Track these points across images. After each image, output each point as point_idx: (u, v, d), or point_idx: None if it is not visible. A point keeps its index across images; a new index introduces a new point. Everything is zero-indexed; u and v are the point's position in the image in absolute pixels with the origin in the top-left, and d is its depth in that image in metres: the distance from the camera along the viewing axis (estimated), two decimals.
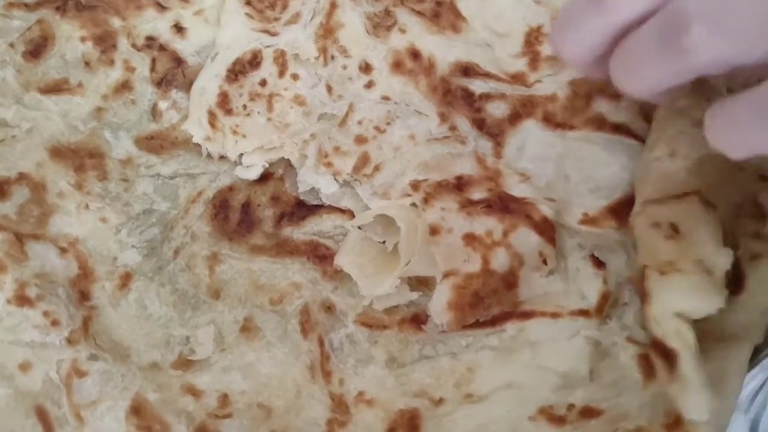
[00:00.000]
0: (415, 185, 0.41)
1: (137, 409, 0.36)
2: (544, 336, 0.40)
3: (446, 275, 0.39)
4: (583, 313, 0.40)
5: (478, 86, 0.45)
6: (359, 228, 0.42)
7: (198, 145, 0.45)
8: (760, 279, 0.38)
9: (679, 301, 0.33)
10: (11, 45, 0.46)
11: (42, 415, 0.36)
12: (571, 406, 0.37)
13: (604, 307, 0.40)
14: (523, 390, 0.38)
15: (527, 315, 0.40)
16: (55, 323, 0.37)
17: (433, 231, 0.40)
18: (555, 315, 0.40)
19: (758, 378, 0.37)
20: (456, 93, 0.45)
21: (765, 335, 0.37)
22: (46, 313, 0.38)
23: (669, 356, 0.34)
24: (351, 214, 0.43)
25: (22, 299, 0.38)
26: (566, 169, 0.42)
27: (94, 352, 0.37)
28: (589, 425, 0.36)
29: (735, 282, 0.39)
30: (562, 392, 0.38)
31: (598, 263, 0.41)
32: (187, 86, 0.47)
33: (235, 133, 0.45)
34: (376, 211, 0.41)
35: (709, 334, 0.37)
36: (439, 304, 0.39)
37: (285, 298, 0.41)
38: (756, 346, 0.37)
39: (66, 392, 0.36)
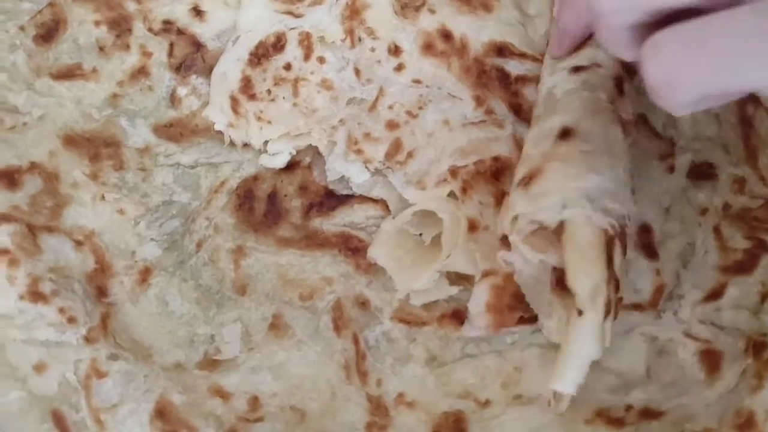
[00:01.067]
0: (453, 172, 0.39)
1: (162, 412, 0.33)
2: None
3: (485, 275, 0.36)
4: (637, 307, 0.38)
5: (513, 67, 0.43)
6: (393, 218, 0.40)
7: (220, 133, 0.43)
8: None
9: None
10: (21, 28, 0.43)
11: (58, 419, 0.33)
12: (629, 407, 0.35)
13: (659, 301, 0.38)
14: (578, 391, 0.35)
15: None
16: (71, 320, 0.35)
17: (472, 227, 0.38)
18: None
19: None
20: (491, 74, 0.43)
21: None
22: (61, 310, 0.35)
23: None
24: (384, 204, 0.41)
25: (35, 295, 0.35)
26: None
27: (114, 351, 0.35)
28: (651, 427, 0.34)
29: None
30: (619, 392, 0.36)
31: (651, 253, 0.39)
32: (208, 71, 0.45)
33: (259, 119, 0.42)
34: (418, 206, 0.38)
35: None
36: (478, 305, 0.36)
37: (316, 293, 0.39)
38: None
39: (84, 395, 0.33)
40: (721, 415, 0.33)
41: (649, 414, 0.34)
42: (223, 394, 0.35)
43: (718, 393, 0.34)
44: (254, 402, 0.35)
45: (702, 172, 0.41)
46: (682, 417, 0.33)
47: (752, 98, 0.42)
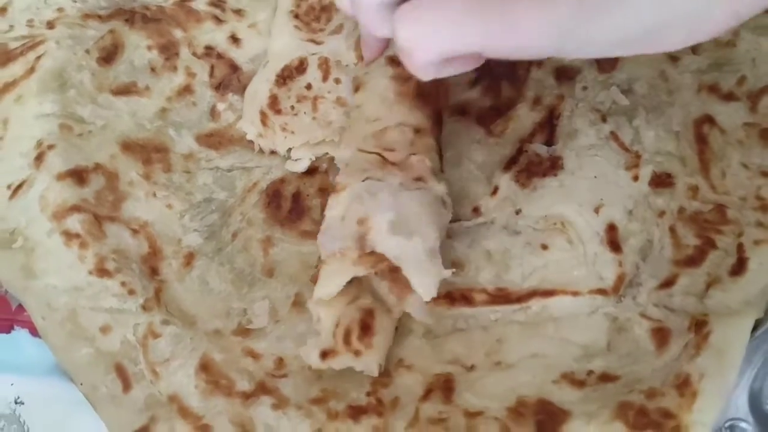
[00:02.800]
0: None
1: (205, 366, 0.40)
2: (565, 312, 0.44)
3: None
4: (601, 292, 0.44)
5: None
6: None
7: (252, 142, 0.50)
8: (761, 261, 0.42)
9: None
10: (87, 51, 0.51)
11: (121, 371, 0.40)
12: (590, 372, 0.41)
13: (620, 287, 0.44)
14: (547, 359, 0.42)
15: (550, 293, 0.44)
16: (131, 292, 0.42)
17: None
18: (575, 293, 0.44)
19: (761, 350, 0.41)
20: None
21: (765, 310, 0.41)
22: (123, 284, 0.42)
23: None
24: None
25: (102, 271, 0.42)
26: None
27: (166, 317, 0.42)
28: (607, 388, 0.40)
29: (739, 264, 0.43)
30: (583, 361, 0.42)
31: (616, 248, 0.46)
32: (242, 90, 0.52)
33: (284, 130, 0.50)
34: None
35: (714, 311, 0.41)
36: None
37: None
38: (757, 320, 0.41)
39: (142, 351, 0.40)
40: (664, 378, 0.39)
41: (606, 378, 0.41)
42: (254, 355, 0.42)
43: (664, 361, 0.40)
44: (280, 362, 0.42)
45: (662, 181, 0.47)
46: (633, 380, 0.40)
47: (708, 119, 0.49)
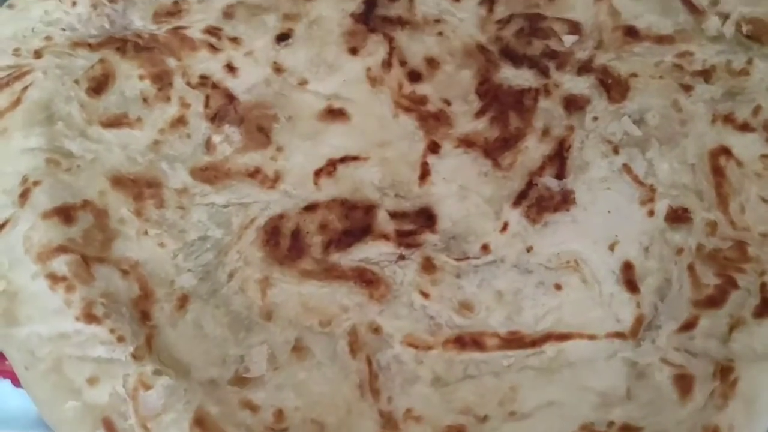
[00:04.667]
0: None
1: (200, 421, 0.38)
2: (582, 357, 0.42)
3: None
4: (619, 335, 0.42)
5: None
6: None
7: (249, 176, 0.48)
8: None
9: None
10: (76, 81, 0.49)
11: (109, 426, 0.37)
12: (611, 423, 0.39)
13: (639, 330, 0.42)
14: (564, 408, 0.40)
15: (566, 337, 0.42)
16: (120, 339, 0.39)
17: None
18: (592, 337, 0.42)
19: None
20: None
21: None
22: (112, 330, 0.40)
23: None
24: (396, 241, 0.46)
25: (89, 317, 0.40)
26: None
27: (158, 367, 0.39)
28: None
29: (763, 305, 0.41)
30: (602, 410, 0.40)
31: (633, 288, 0.44)
32: (239, 121, 0.50)
33: None
34: None
35: (740, 356, 0.39)
36: None
37: (333, 320, 0.43)
38: None
39: (132, 405, 0.38)
40: (691, 430, 0.37)
41: (628, 429, 0.38)
42: (252, 407, 0.39)
43: (689, 411, 0.38)
44: (279, 414, 0.39)
45: (678, 216, 0.46)
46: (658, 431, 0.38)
47: (724, 150, 0.48)
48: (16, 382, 0.41)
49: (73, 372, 0.39)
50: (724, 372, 0.39)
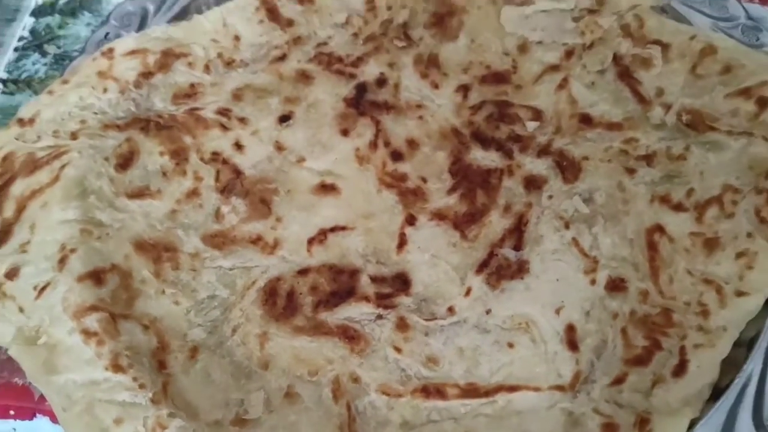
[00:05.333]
0: None
1: None
2: (527, 406, 0.49)
3: None
4: (560, 388, 0.50)
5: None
6: None
7: (252, 243, 0.56)
8: (700, 364, 0.48)
9: None
10: (106, 159, 0.57)
11: None
12: None
13: (576, 384, 0.50)
14: None
15: (514, 389, 0.50)
16: (142, 386, 0.47)
17: None
18: (537, 389, 0.50)
19: None
20: None
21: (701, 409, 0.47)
22: (135, 378, 0.47)
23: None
24: (375, 303, 0.53)
25: (116, 367, 0.48)
26: None
27: (172, 410, 0.47)
28: None
29: (680, 366, 0.49)
30: None
31: (574, 347, 0.51)
32: (245, 194, 0.58)
33: None
34: None
35: (657, 409, 0.47)
36: None
37: (320, 370, 0.51)
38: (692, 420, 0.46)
39: None
40: None
41: None
42: None
43: None
44: None
45: (616, 285, 0.53)
46: None
47: (659, 228, 0.55)
48: (54, 420, 0.49)
49: (103, 413, 0.47)
50: (643, 423, 0.46)
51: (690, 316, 0.51)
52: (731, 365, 0.49)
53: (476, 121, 0.62)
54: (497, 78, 0.63)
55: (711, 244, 0.53)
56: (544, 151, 0.60)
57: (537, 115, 0.62)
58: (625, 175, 0.58)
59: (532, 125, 0.61)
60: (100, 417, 0.47)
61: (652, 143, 0.59)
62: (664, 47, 0.62)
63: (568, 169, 0.59)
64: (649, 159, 0.58)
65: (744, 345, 0.50)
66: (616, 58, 0.63)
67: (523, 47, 0.64)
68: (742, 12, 0.62)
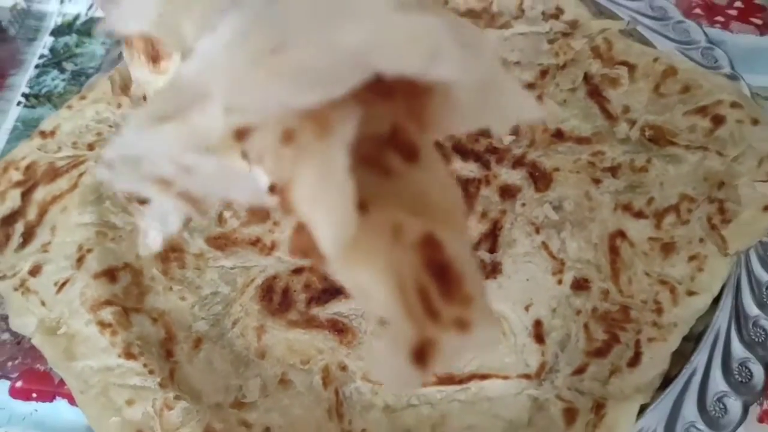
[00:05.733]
0: None
1: None
2: (497, 393, 0.55)
3: None
4: (527, 376, 0.55)
5: None
6: None
7: (251, 244, 0.62)
8: (652, 355, 0.54)
9: None
10: None
11: None
12: None
13: (542, 373, 0.55)
14: (479, 431, 0.53)
15: (486, 377, 0.55)
16: (151, 372, 0.53)
17: None
18: (506, 377, 0.55)
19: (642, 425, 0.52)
20: None
21: (652, 396, 0.52)
22: (145, 365, 0.53)
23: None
24: None
25: (129, 354, 0.53)
26: None
27: (178, 393, 0.52)
28: None
29: (635, 357, 0.54)
30: None
31: (540, 340, 0.57)
32: None
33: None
34: None
35: (612, 395, 0.52)
36: None
37: (311, 359, 0.56)
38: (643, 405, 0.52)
39: (158, 421, 0.51)
40: None
41: None
42: (247, 425, 0.53)
43: None
44: (267, 430, 0.53)
45: (580, 285, 0.58)
46: None
47: (621, 233, 0.61)
48: (71, 402, 0.54)
49: (116, 396, 0.52)
50: (598, 407, 0.51)
51: (646, 313, 0.56)
52: (681, 357, 0.54)
53: (457, 135, 0.67)
54: None
55: (667, 249, 0.59)
56: (518, 163, 0.65)
57: (513, 129, 0.67)
58: (591, 185, 0.63)
59: (508, 139, 0.66)
60: (113, 399, 0.52)
61: (617, 156, 0.64)
62: (631, 68, 0.67)
63: (540, 179, 0.64)
64: (614, 170, 0.64)
65: (693, 339, 0.55)
66: (587, 78, 0.68)
67: None
68: (703, 36, 0.68)
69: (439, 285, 0.20)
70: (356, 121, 0.19)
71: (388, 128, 0.21)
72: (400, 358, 0.19)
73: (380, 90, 0.19)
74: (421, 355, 0.19)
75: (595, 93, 0.67)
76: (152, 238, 0.28)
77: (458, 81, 0.19)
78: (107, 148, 0.22)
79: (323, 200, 0.18)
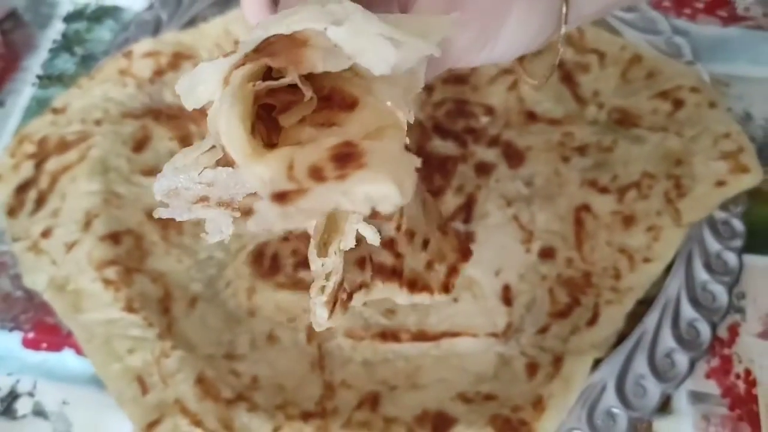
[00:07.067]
0: None
1: (201, 380, 0.56)
2: (467, 350, 0.60)
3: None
4: (494, 335, 0.60)
5: None
6: None
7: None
8: (609, 316, 0.58)
9: None
10: (124, 142, 0.68)
11: (141, 381, 0.56)
12: (478, 393, 0.56)
13: (509, 332, 0.60)
14: (449, 383, 0.58)
15: (457, 334, 0.60)
16: (150, 325, 0.58)
17: None
18: (475, 335, 0.60)
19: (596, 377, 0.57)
20: None
21: (606, 351, 0.57)
22: (145, 318, 0.58)
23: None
24: None
25: (130, 309, 0.59)
26: None
27: (174, 344, 0.57)
28: (488, 404, 0.55)
29: (593, 318, 0.59)
30: (475, 385, 0.57)
31: (508, 303, 0.62)
32: None
33: None
34: None
35: (570, 351, 0.57)
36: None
37: (297, 318, 0.61)
38: (596, 359, 0.56)
39: (157, 367, 0.56)
40: (528, 399, 0.55)
41: (489, 397, 0.56)
42: (236, 374, 0.58)
43: (531, 386, 0.56)
44: (254, 379, 0.57)
45: (547, 254, 0.62)
46: (506, 399, 0.55)
47: (586, 207, 0.66)
48: (78, 352, 0.59)
49: (118, 345, 0.57)
50: (557, 361, 0.56)
51: (606, 278, 0.61)
52: (636, 318, 0.59)
53: (437, 116, 0.72)
54: (457, 79, 0.73)
55: (628, 221, 0.63)
56: (494, 142, 0.70)
57: (490, 111, 0.72)
58: (561, 162, 0.68)
59: (485, 120, 0.71)
60: (116, 348, 0.57)
61: (586, 137, 0.69)
62: (600, 55, 0.72)
63: (514, 157, 0.69)
64: (582, 150, 0.69)
65: (647, 303, 0.60)
66: (560, 64, 0.73)
67: None
68: (668, 26, 0.73)
69: (336, 164, 0.27)
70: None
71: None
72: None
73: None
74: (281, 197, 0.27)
75: (567, 78, 0.72)
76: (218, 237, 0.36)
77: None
78: (156, 194, 0.33)
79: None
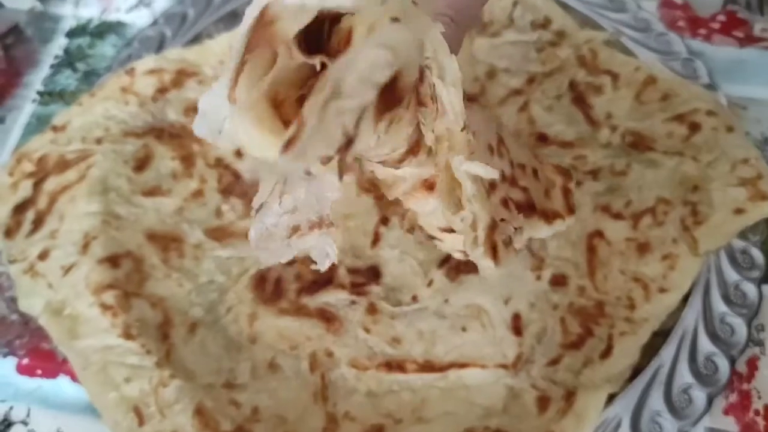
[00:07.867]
0: None
1: (199, 411, 0.54)
2: (475, 381, 0.58)
3: None
4: (504, 366, 0.58)
5: None
6: None
7: (247, 236, 0.65)
8: (623, 348, 0.56)
9: None
10: (125, 162, 0.67)
11: (137, 411, 0.54)
12: (486, 428, 0.54)
13: (519, 364, 0.58)
14: (456, 417, 0.56)
15: (465, 365, 0.58)
16: (149, 352, 0.56)
17: None
18: (483, 367, 0.58)
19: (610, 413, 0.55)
20: None
21: (621, 386, 0.55)
22: (143, 345, 0.56)
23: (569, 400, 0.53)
24: (350, 290, 0.62)
25: (128, 335, 0.57)
26: None
27: (173, 373, 0.56)
28: None
29: (607, 350, 0.57)
30: (483, 419, 0.55)
31: (518, 332, 0.60)
32: (243, 194, 0.67)
33: None
34: None
35: (583, 385, 0.55)
36: None
37: (300, 346, 0.59)
38: (611, 394, 0.54)
39: (154, 397, 0.54)
40: None
41: None
42: (236, 404, 0.56)
43: (541, 422, 0.54)
44: (255, 410, 0.56)
45: (558, 281, 0.61)
46: None
47: (599, 233, 0.64)
48: (74, 379, 0.58)
49: (115, 373, 0.56)
50: (569, 396, 0.54)
51: (619, 308, 0.59)
52: (651, 351, 0.57)
53: None
54: (468, 99, 0.72)
55: (642, 248, 0.61)
56: None
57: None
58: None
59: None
60: (112, 376, 0.56)
61: (599, 160, 0.67)
62: (614, 77, 0.70)
63: None
64: (594, 174, 0.67)
65: (663, 335, 0.58)
66: (572, 85, 0.71)
67: (491, 74, 0.73)
68: (683, 48, 0.71)
69: None
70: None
71: None
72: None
73: None
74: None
75: (579, 100, 0.70)
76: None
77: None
78: (251, 244, 0.35)
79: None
